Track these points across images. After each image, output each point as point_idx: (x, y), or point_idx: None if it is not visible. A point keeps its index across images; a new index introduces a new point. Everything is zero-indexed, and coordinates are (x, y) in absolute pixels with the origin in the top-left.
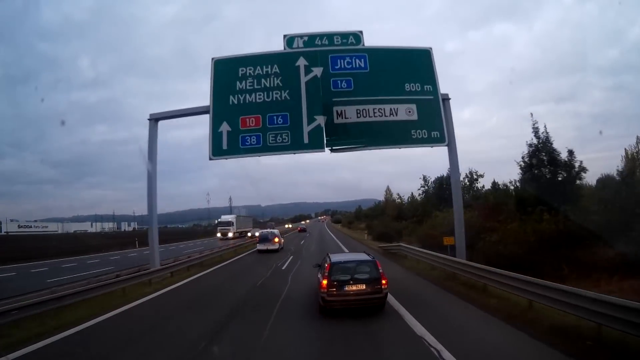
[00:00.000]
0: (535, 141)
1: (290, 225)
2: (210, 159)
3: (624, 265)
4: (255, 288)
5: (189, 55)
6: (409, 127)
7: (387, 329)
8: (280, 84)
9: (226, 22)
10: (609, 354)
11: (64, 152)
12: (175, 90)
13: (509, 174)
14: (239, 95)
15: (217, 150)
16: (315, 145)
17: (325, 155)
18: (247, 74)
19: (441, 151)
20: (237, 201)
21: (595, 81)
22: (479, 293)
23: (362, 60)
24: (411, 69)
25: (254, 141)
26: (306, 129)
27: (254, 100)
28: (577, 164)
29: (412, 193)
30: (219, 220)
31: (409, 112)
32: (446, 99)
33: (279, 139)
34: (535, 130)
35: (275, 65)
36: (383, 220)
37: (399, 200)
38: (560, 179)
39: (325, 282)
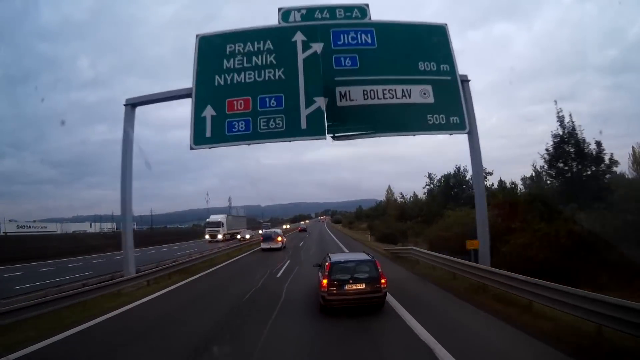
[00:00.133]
0: (560, 132)
1: (288, 226)
2: (192, 148)
3: None
4: (241, 304)
5: (188, 55)
6: (424, 111)
7: None
8: (274, 62)
9: (226, 22)
10: None
11: (64, 152)
12: (175, 89)
13: (510, 174)
14: (226, 75)
15: (200, 139)
16: (314, 131)
17: (325, 154)
18: (236, 51)
19: (442, 151)
20: (237, 201)
21: (595, 80)
22: (522, 312)
23: (369, 35)
24: (425, 46)
25: (242, 127)
26: (304, 112)
27: (243, 80)
28: (606, 157)
29: (414, 192)
30: (208, 220)
31: (424, 94)
32: (465, 80)
33: (272, 125)
34: (561, 120)
35: (269, 41)
36: (385, 220)
37: (401, 199)
38: (589, 173)
39: (325, 281)
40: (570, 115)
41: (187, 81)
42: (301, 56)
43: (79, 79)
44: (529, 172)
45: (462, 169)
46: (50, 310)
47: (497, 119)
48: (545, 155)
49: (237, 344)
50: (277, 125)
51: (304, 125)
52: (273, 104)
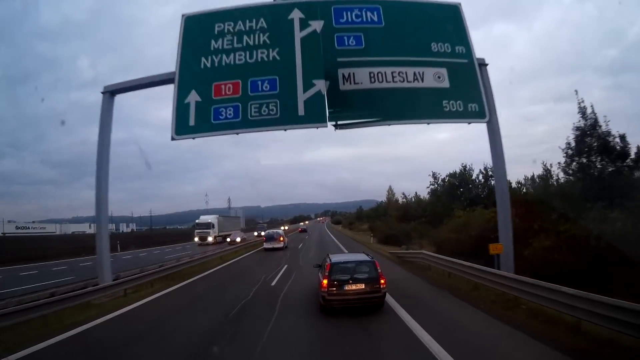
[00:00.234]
0: (582, 123)
1: (286, 227)
2: (173, 139)
3: None
4: (224, 324)
5: None
6: (439, 96)
7: None
8: (268, 42)
9: None
10: None
11: (64, 152)
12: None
13: (511, 174)
14: (213, 57)
15: (182, 128)
16: (313, 118)
17: (325, 154)
18: (226, 30)
19: (442, 151)
20: (237, 202)
21: (595, 80)
22: (571, 334)
23: (375, 13)
24: (437, 26)
25: (230, 114)
26: (301, 97)
27: (232, 62)
28: (633, 151)
29: (416, 192)
30: (197, 221)
31: (439, 77)
32: (483, 64)
33: (265, 111)
34: (582, 111)
35: (262, 20)
36: (386, 221)
37: (404, 199)
38: (612, 169)
39: (325, 281)
40: (592, 106)
41: None
42: (299, 35)
43: (79, 79)
44: (529, 172)
45: (468, 167)
46: (5, 325)
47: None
48: (567, 150)
49: None
50: (271, 112)
51: (301, 112)
52: (266, 87)
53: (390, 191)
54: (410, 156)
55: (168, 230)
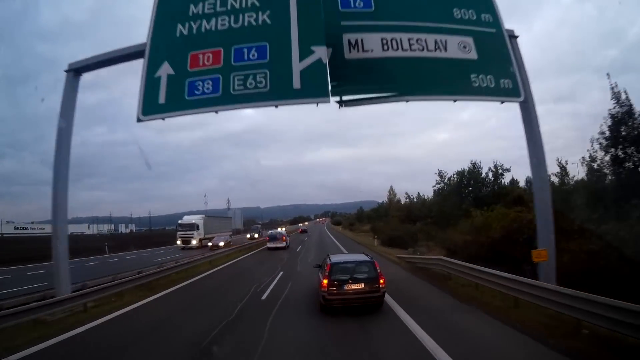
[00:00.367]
0: (616, 110)
1: (284, 228)
2: (139, 120)
3: None
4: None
5: None
6: (466, 69)
7: None
8: (257, 3)
9: None
10: None
11: None
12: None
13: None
14: (192, 23)
15: (150, 106)
16: (312, 91)
17: (325, 154)
18: None
19: (442, 152)
20: (236, 203)
21: (594, 81)
22: None
23: None
24: None
25: (208, 88)
26: (297, 66)
27: (213, 28)
28: None
29: (418, 192)
30: (180, 222)
31: (464, 47)
32: (513, 36)
33: (251, 83)
34: (616, 96)
35: None
36: (388, 221)
37: (407, 199)
38: None
39: (325, 281)
40: (625, 91)
41: None
42: None
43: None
44: (528, 172)
45: (477, 164)
46: None
47: (497, 119)
48: (602, 140)
49: None
50: (259, 84)
51: (296, 84)
52: (253, 56)
53: (392, 191)
54: (409, 157)
55: (167, 231)
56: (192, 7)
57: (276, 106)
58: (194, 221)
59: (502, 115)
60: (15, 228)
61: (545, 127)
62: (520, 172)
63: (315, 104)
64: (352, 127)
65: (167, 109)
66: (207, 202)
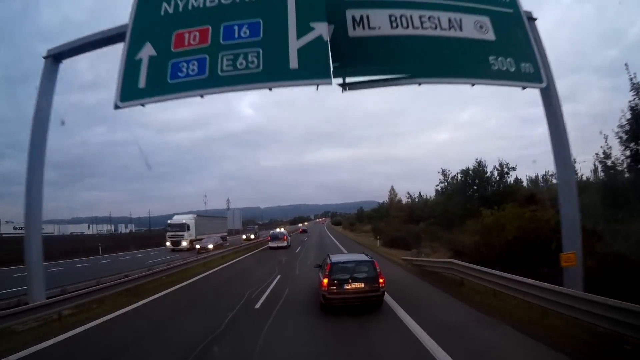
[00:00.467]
0: (636, 102)
1: (282, 229)
2: (117, 107)
3: None
4: None
5: None
6: (484, 50)
7: None
8: None
9: None
10: None
11: (63, 153)
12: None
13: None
14: (177, 0)
15: (129, 92)
16: (311, 72)
17: (325, 155)
18: None
19: (442, 153)
20: (237, 203)
21: (594, 81)
22: None
23: None
24: None
25: (193, 70)
26: (294, 44)
27: (201, 5)
28: None
29: (419, 192)
30: (169, 222)
31: (481, 27)
32: (531, 17)
33: (242, 64)
34: (636, 88)
35: None
36: (390, 222)
37: (408, 199)
38: None
39: (326, 280)
40: None
41: None
42: None
43: (79, 80)
44: (530, 173)
45: (482, 162)
46: None
47: (497, 119)
48: (622, 134)
49: None
50: (250, 64)
51: (293, 64)
52: (245, 33)
53: (393, 191)
54: (410, 157)
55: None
56: None
57: (270, 88)
58: (184, 221)
59: (502, 116)
60: (15, 228)
61: (545, 127)
62: (521, 171)
63: (315, 86)
64: (352, 127)
65: (147, 94)
66: (206, 202)
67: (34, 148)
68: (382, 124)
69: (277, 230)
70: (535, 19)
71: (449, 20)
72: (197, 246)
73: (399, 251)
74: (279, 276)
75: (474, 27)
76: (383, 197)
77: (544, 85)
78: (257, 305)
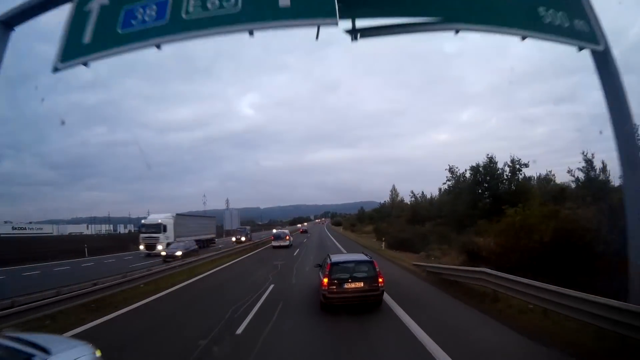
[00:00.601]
0: None
1: (284, 230)
2: (56, 69)
3: None
4: None
5: (188, 57)
6: None
7: None
8: None
9: None
10: None
11: (63, 153)
12: (174, 91)
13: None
14: None
15: (72, 49)
16: (308, 9)
17: (325, 155)
18: None
19: (443, 153)
20: (236, 203)
21: (594, 82)
22: None
23: None
24: None
25: (151, 15)
26: None
27: None
28: None
29: (422, 192)
30: (143, 222)
31: None
32: None
33: (213, 3)
34: None
35: None
36: (392, 222)
37: (412, 199)
38: None
39: (326, 280)
40: None
41: (186, 82)
42: None
43: (79, 80)
44: (532, 173)
45: (493, 159)
46: None
47: (497, 120)
48: None
49: None
50: (225, 3)
51: (284, 1)
52: None
53: (394, 191)
54: (409, 157)
55: None
56: None
57: (251, 32)
58: (159, 221)
59: (502, 116)
60: (13, 228)
61: (545, 128)
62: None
63: (315, 28)
64: (352, 128)
65: (92, 49)
66: (205, 203)
67: None
68: (382, 124)
69: (280, 230)
70: None
71: None
72: (178, 253)
73: (405, 254)
74: (271, 286)
75: None
76: (383, 198)
77: (601, 48)
78: (239, 330)
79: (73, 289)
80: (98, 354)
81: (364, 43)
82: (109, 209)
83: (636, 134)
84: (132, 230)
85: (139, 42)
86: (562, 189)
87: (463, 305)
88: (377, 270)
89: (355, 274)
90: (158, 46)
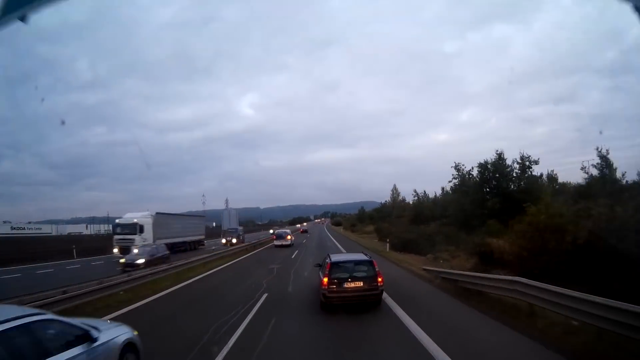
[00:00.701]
0: None
1: (286, 229)
2: None
3: None
4: None
5: (187, 57)
6: None
7: None
8: None
9: (225, 24)
10: None
11: (63, 153)
12: (174, 91)
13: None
14: None
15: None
16: None
17: (325, 155)
18: None
19: (443, 153)
20: (236, 203)
21: (594, 82)
22: None
23: None
24: None
25: None
26: None
27: None
28: None
29: (424, 191)
30: (117, 221)
31: None
32: None
33: None
34: None
35: None
36: (394, 222)
37: (415, 198)
38: None
39: (326, 279)
40: None
41: (185, 83)
42: None
43: (78, 80)
44: (538, 172)
45: (502, 155)
46: None
47: (497, 120)
48: None
49: None
50: None
51: None
52: None
53: (395, 190)
54: (409, 158)
55: None
56: None
57: None
58: (135, 220)
59: (502, 116)
60: (12, 228)
61: (545, 128)
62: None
63: None
64: (352, 128)
65: None
66: (204, 203)
67: None
68: (382, 124)
69: (282, 230)
70: None
71: None
72: (122, 260)
73: (410, 256)
74: (265, 295)
75: None
76: (383, 198)
77: None
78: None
79: (39, 297)
80: (135, 333)
81: (364, 43)
82: (108, 209)
83: None
84: None
85: None
86: (590, 184)
87: (493, 322)
88: (377, 269)
89: (354, 274)
90: None
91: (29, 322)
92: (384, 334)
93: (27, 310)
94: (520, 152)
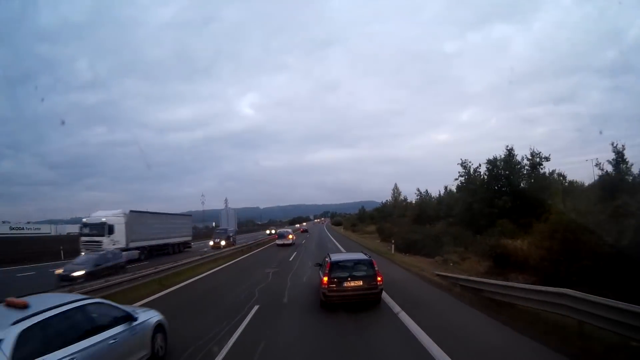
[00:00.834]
0: None
1: (273, 231)
2: None
3: None
4: None
5: (187, 57)
6: None
7: None
8: None
9: (225, 24)
10: None
11: (63, 153)
12: (174, 91)
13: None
14: None
15: None
16: None
17: (325, 155)
18: None
19: (443, 153)
20: (236, 203)
21: (594, 82)
22: None
23: None
24: None
25: None
26: None
27: None
28: None
29: (427, 190)
30: (84, 220)
31: None
32: None
33: None
34: None
35: None
36: (398, 222)
37: (418, 197)
38: None
39: (326, 279)
40: None
41: (185, 82)
42: None
43: (78, 80)
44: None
45: (512, 152)
46: None
47: (497, 120)
48: None
49: None
50: None
51: None
52: None
53: (396, 190)
54: (409, 157)
55: None
56: None
57: None
58: (104, 220)
59: (502, 116)
60: (11, 228)
61: (545, 128)
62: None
63: None
64: (352, 128)
65: None
66: (204, 202)
67: None
68: (382, 124)
69: (284, 229)
70: None
71: None
72: (58, 271)
73: (417, 259)
74: (256, 307)
75: None
76: (383, 198)
77: None
78: None
79: None
80: (162, 317)
81: (364, 43)
82: (108, 208)
83: None
84: None
85: None
86: (621, 179)
87: (534, 344)
88: (376, 269)
89: (354, 273)
90: None
91: (85, 304)
92: None
93: (82, 296)
94: (530, 149)
